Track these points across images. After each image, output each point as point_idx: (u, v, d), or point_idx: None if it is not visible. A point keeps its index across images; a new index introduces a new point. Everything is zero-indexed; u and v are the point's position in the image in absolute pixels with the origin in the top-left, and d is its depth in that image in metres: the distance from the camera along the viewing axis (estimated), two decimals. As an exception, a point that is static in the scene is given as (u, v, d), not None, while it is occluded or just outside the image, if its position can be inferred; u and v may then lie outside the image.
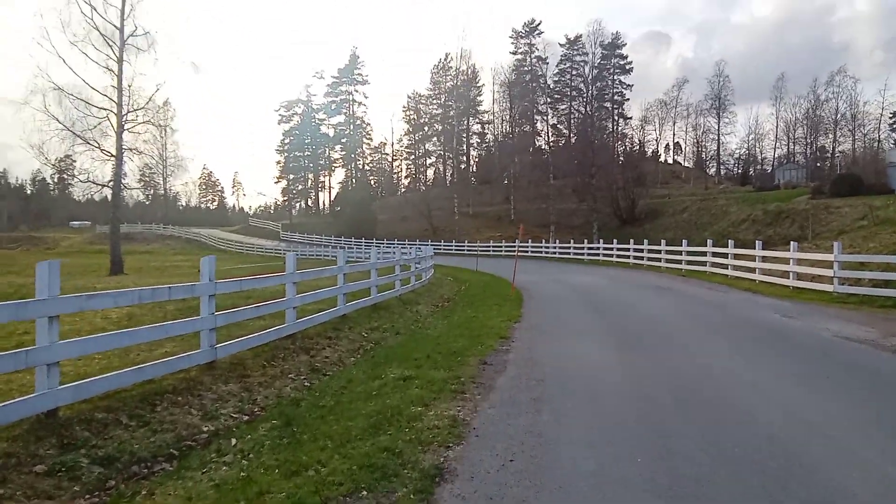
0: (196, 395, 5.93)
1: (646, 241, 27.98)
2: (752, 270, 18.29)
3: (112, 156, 23.66)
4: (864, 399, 5.60)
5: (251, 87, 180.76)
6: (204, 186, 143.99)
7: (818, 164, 79.04)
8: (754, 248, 19.18)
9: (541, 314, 12.02)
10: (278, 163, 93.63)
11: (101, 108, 23.37)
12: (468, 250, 48.35)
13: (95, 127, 23.38)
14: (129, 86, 24.35)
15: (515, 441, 4.49)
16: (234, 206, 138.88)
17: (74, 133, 22.93)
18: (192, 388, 6.08)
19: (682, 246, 23.68)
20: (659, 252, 25.81)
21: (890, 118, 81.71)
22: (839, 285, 14.17)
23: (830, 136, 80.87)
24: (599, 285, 18.60)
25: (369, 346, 9.18)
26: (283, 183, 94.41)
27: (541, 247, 41.89)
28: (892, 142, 75.89)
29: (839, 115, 78.05)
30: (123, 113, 23.57)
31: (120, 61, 23.61)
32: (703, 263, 21.81)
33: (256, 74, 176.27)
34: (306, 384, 6.83)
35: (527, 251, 42.40)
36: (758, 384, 6.11)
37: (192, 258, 50.58)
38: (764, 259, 17.83)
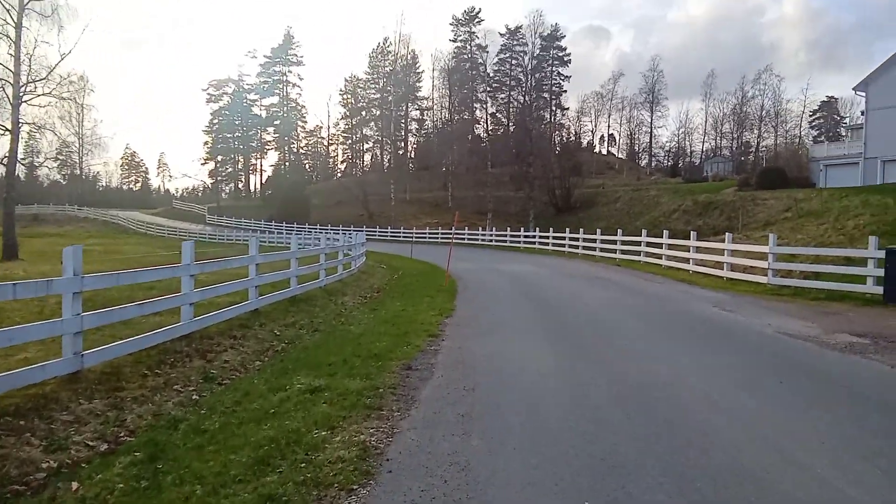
0: (45, 418, 4.75)
1: (581, 230, 27.83)
2: (687, 261, 18.19)
3: (7, 130, 21.11)
4: (823, 409, 5.04)
5: (179, 64, 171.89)
6: (126, 167, 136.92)
7: (742, 158, 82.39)
8: (688, 239, 19.13)
9: (475, 307, 11.22)
10: (206, 143, 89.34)
11: (-6, 78, 20.78)
12: (404, 237, 47.41)
13: (-12, 98, 20.74)
14: (30, 55, 21.79)
15: (437, 478, 3.61)
16: (159, 187, 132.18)
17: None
18: (43, 408, 4.89)
19: (616, 235, 23.53)
20: (594, 241, 25.64)
21: (810, 116, 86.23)
22: (773, 277, 14.08)
23: (755, 131, 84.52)
24: (536, 275, 18.05)
25: (280, 347, 8.09)
26: (211, 165, 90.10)
27: (478, 234, 41.35)
28: (812, 138, 79.91)
29: (764, 112, 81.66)
30: (21, 84, 21.03)
31: (18, 27, 21.01)
32: (638, 253, 21.70)
33: (185, 52, 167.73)
34: (194, 397, 5.72)
35: (463, 239, 41.81)
36: (711, 395, 5.48)
37: (107, 242, 47.28)
38: (698, 250, 17.73)
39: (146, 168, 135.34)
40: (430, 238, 45.22)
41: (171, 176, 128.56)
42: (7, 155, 21.90)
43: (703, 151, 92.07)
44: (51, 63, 22.21)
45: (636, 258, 21.73)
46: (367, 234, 53.13)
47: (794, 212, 32.44)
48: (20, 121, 21.66)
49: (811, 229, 22.89)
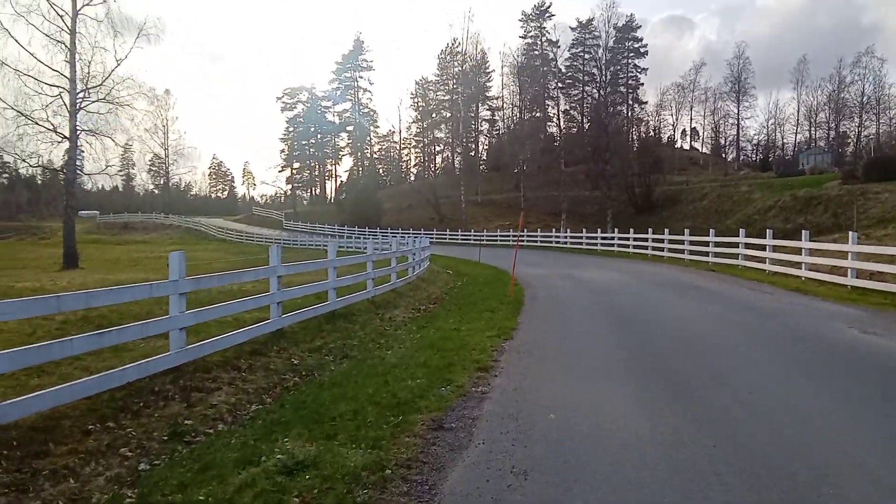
0: None
1: (666, 230, 25.04)
2: (797, 265, 15.41)
3: (65, 137, 21.08)
4: None
5: (257, 75, 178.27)
6: (214, 176, 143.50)
7: (840, 150, 75.47)
8: (794, 239, 16.34)
9: (542, 327, 9.28)
10: (282, 151, 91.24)
11: (53, 86, 20.75)
12: (475, 240, 45.76)
13: (47, 106, 20.75)
14: (89, 62, 21.68)
15: None
16: (244, 195, 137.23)
17: (17, 111, 20.25)
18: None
19: (708, 236, 20.76)
20: (682, 243, 22.89)
21: (914, 103, 77.67)
22: (919, 286, 11.31)
23: (855, 119, 77.08)
24: (617, 283, 15.80)
25: (292, 382, 6.50)
26: (288, 172, 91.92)
27: (551, 236, 38.95)
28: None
29: (865, 98, 74.27)
30: (77, 91, 20.91)
31: (72, 33, 20.90)
32: (735, 256, 18.90)
33: (262, 62, 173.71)
34: (141, 467, 4.17)
35: (536, 241, 39.58)
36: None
37: (185, 248, 48.34)
38: (813, 252, 14.93)
39: (232, 177, 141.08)
40: (501, 241, 43.24)
41: (254, 184, 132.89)
42: (65, 163, 21.93)
43: (795, 144, 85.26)
44: (112, 71, 22.11)
45: (733, 262, 18.95)
46: (437, 238, 52.42)
47: (918, 206, 28.23)
48: (77, 128, 21.54)
49: (948, 225, 19.33)
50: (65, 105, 20.76)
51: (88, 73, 21.23)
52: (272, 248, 8.13)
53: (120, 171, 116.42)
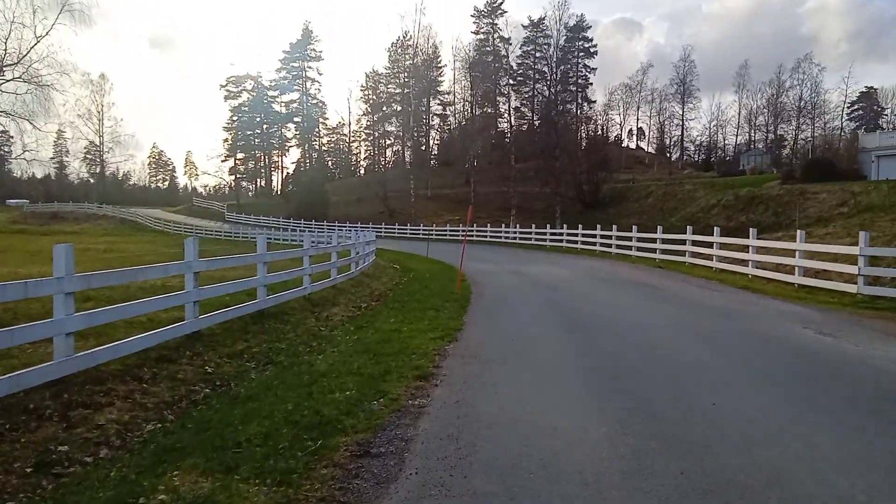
0: None
1: (614, 227, 25.01)
2: (744, 263, 15.40)
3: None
4: None
5: (202, 62, 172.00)
6: (154, 166, 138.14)
7: (777, 152, 78.45)
8: (739, 237, 16.39)
9: (488, 327, 8.69)
10: (226, 141, 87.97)
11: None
12: (424, 234, 45.11)
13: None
14: (6, 38, 19.88)
15: None
16: (186, 186, 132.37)
17: None
18: None
19: (656, 233, 20.73)
20: (630, 240, 22.85)
21: (848, 108, 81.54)
22: (864, 285, 11.28)
23: (793, 122, 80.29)
24: (567, 280, 15.42)
25: (203, 395, 5.65)
26: (231, 162, 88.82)
27: (500, 232, 38.65)
28: (849, 130, 75.53)
29: (802, 103, 77.43)
30: (-9, 65, 19.17)
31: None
32: (682, 253, 18.87)
33: (207, 49, 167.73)
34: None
35: (486, 236, 39.24)
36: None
37: (117, 240, 45.72)
38: (760, 250, 14.92)
39: (173, 167, 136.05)
40: (450, 235, 42.72)
41: (196, 174, 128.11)
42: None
43: (735, 145, 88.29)
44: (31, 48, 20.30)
45: (680, 259, 18.93)
46: (386, 232, 51.48)
47: (852, 206, 29.18)
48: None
49: (884, 225, 19.79)
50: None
51: (5, 50, 19.46)
52: (187, 241, 7.22)
53: (53, 158, 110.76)
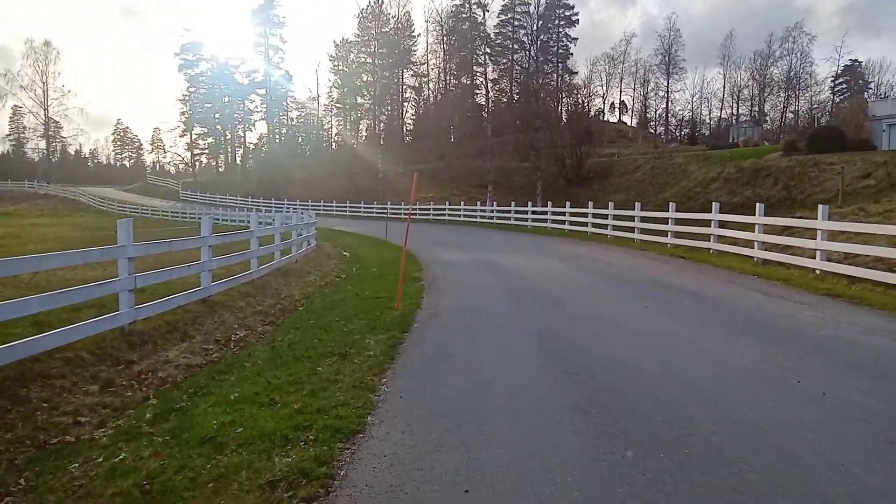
0: None
1: (611, 203, 20.69)
2: (801, 253, 11.25)
3: None
4: None
5: (164, 30, 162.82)
6: (119, 143, 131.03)
7: (763, 126, 75.07)
8: (752, 214, 12.30)
9: (436, 384, 4.43)
10: (182, 114, 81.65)
11: None
12: (392, 213, 40.62)
13: None
14: None
15: None
16: (154, 164, 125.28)
17: None
18: None
19: (668, 212, 16.45)
20: (632, 220, 18.56)
21: (833, 81, 77.89)
22: None
23: (782, 95, 76.80)
24: (563, 281, 11.08)
25: None
26: (189, 138, 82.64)
27: (475, 210, 34.11)
28: (835, 103, 72.09)
29: (792, 74, 73.91)
30: None
31: None
32: (705, 238, 14.68)
33: (168, 16, 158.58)
34: None
35: (458, 215, 34.75)
36: None
37: (47, 222, 40.39)
38: (834, 235, 10.74)
39: (139, 143, 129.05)
40: (420, 214, 38.14)
41: (164, 151, 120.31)
42: None
43: (720, 119, 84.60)
44: None
45: (702, 245, 14.75)
46: (351, 211, 46.80)
47: (880, 179, 25.30)
48: None
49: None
50: None
51: None
52: None
53: (9, 135, 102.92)
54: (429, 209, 38.45)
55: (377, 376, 4.97)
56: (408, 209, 9.53)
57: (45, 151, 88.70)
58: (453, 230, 28.54)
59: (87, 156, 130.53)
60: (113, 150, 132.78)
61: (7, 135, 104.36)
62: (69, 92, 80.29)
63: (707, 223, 14.60)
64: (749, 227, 13.01)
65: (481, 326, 7.06)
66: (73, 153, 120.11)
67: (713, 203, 14.86)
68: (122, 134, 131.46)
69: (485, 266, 13.36)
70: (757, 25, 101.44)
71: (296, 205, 48.88)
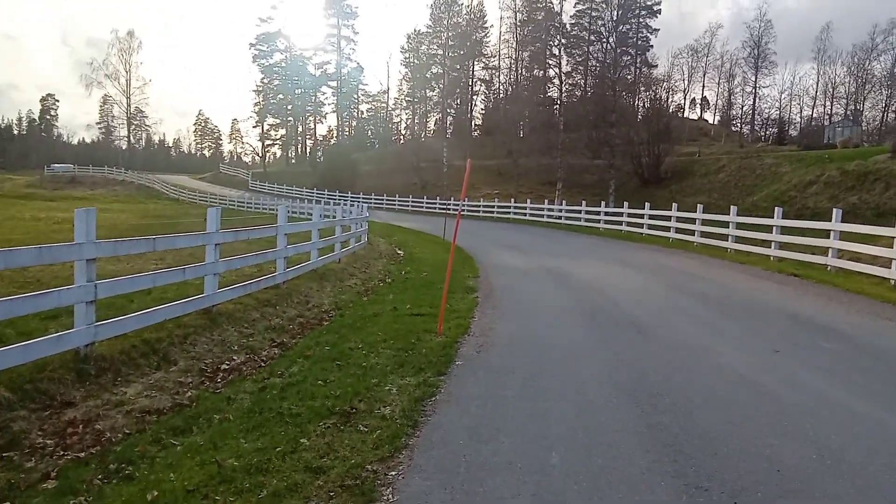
0: None
1: (699, 206, 18.16)
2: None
3: None
4: None
5: (240, 25, 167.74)
6: (200, 133, 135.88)
7: (864, 125, 68.53)
8: (861, 223, 9.72)
9: (472, 486, 2.68)
10: (256, 104, 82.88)
11: None
12: (454, 209, 38.94)
13: None
14: None
15: None
16: (231, 153, 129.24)
17: None
18: None
19: (773, 218, 13.93)
20: (726, 226, 16.03)
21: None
22: None
23: (884, 92, 69.87)
24: (645, 296, 9.05)
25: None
26: (260, 129, 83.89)
27: (542, 209, 31.81)
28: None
29: (896, 69, 67.10)
30: None
31: None
32: (822, 251, 12.15)
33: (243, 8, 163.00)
34: None
35: (524, 214, 32.63)
36: None
37: (122, 207, 41.17)
38: None
39: (219, 133, 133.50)
40: (484, 212, 36.26)
41: (242, 142, 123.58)
42: None
43: (811, 118, 77.99)
44: None
45: (816, 260, 12.25)
46: (414, 206, 45.45)
47: None
48: None
49: None
50: None
51: None
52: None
53: (99, 123, 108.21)
54: (493, 206, 36.52)
55: (383, 465, 3.24)
56: (460, 206, 8.27)
57: (128, 139, 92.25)
58: (517, 230, 26.58)
59: (170, 145, 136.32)
60: (194, 140, 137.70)
61: (97, 122, 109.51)
62: (150, 81, 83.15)
63: (823, 233, 12.09)
64: (875, 238, 10.48)
65: (550, 371, 5.21)
66: (157, 142, 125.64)
67: (834, 210, 12.26)
68: (202, 124, 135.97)
69: (553, 276, 11.43)
70: (857, 17, 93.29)
71: (359, 198, 48.04)
